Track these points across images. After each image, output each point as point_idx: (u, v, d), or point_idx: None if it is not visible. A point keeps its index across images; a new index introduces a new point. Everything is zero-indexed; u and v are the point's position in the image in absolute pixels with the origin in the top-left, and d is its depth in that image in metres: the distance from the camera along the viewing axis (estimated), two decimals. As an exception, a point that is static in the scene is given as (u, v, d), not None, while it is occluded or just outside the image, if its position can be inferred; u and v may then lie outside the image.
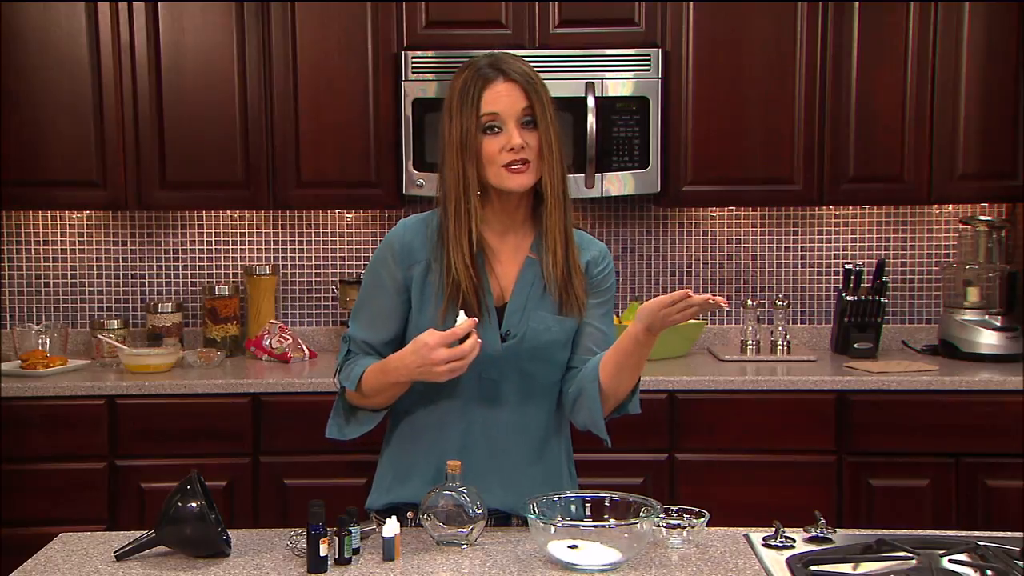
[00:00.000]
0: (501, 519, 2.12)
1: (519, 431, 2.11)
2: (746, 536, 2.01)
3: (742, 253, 4.00)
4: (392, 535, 1.88)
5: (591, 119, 3.49)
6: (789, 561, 1.86)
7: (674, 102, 3.62)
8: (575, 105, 3.51)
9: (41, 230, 3.97)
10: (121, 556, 1.92)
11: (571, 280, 2.08)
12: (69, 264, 3.99)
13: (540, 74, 2.08)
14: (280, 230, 4.00)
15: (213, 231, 3.99)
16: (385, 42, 3.61)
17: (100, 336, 3.71)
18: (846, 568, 1.82)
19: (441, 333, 1.94)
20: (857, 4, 3.60)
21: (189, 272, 4.00)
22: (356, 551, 1.89)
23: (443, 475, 1.97)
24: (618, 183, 3.60)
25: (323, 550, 1.84)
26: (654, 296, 3.93)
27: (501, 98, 1.98)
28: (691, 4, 3.60)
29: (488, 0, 3.60)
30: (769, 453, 3.39)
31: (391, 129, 3.62)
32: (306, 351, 3.79)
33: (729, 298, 3.99)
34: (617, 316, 3.67)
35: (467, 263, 2.02)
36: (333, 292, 3.99)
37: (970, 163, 3.65)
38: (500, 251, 2.10)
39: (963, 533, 2.05)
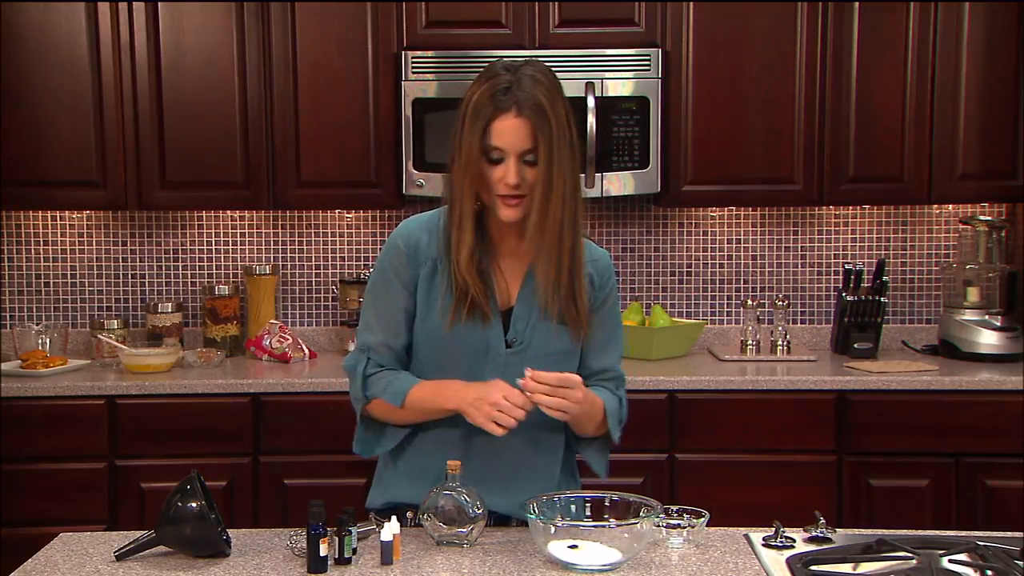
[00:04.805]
0: (501, 519, 2.12)
1: (521, 435, 2.09)
2: (746, 536, 2.01)
3: (742, 253, 4.00)
4: (389, 539, 1.87)
5: (591, 119, 3.49)
6: (789, 561, 1.86)
7: (674, 102, 3.62)
8: (575, 105, 3.42)
9: (41, 230, 3.97)
10: (121, 556, 1.92)
11: (573, 302, 2.06)
12: (69, 264, 3.99)
13: None
14: (280, 230, 4.00)
15: (213, 231, 3.99)
16: (385, 42, 3.61)
17: (100, 336, 3.71)
18: (846, 568, 1.82)
19: (508, 386, 1.96)
20: (857, 4, 3.60)
21: (189, 272, 4.00)
22: (355, 551, 1.89)
23: (444, 476, 1.97)
24: (618, 183, 3.60)
25: (323, 550, 1.84)
26: (654, 296, 3.97)
27: (507, 134, 1.94)
28: (691, 4, 3.60)
29: (488, 0, 3.60)
30: (769, 453, 3.39)
31: (391, 129, 3.62)
32: (306, 351, 3.79)
33: (729, 298, 4.00)
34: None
35: (473, 265, 2.01)
36: (333, 292, 3.99)
37: (970, 163, 3.65)
38: (505, 253, 2.09)
39: (963, 533, 2.05)
